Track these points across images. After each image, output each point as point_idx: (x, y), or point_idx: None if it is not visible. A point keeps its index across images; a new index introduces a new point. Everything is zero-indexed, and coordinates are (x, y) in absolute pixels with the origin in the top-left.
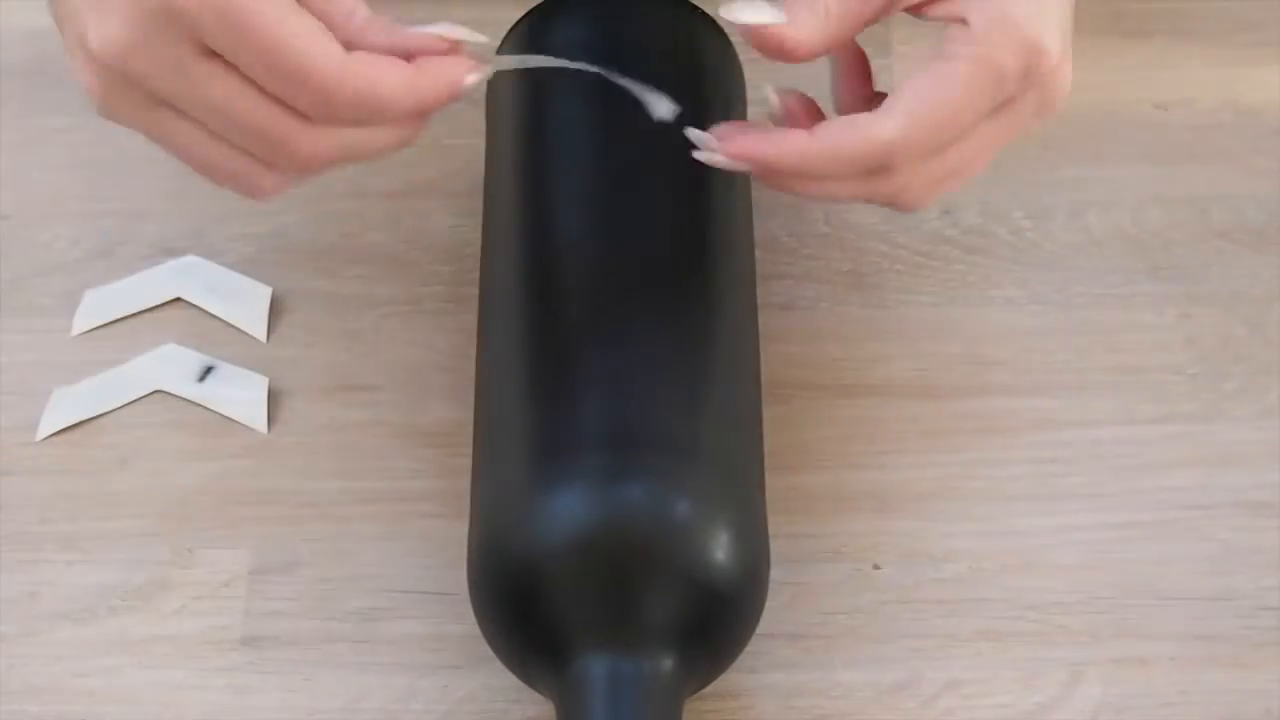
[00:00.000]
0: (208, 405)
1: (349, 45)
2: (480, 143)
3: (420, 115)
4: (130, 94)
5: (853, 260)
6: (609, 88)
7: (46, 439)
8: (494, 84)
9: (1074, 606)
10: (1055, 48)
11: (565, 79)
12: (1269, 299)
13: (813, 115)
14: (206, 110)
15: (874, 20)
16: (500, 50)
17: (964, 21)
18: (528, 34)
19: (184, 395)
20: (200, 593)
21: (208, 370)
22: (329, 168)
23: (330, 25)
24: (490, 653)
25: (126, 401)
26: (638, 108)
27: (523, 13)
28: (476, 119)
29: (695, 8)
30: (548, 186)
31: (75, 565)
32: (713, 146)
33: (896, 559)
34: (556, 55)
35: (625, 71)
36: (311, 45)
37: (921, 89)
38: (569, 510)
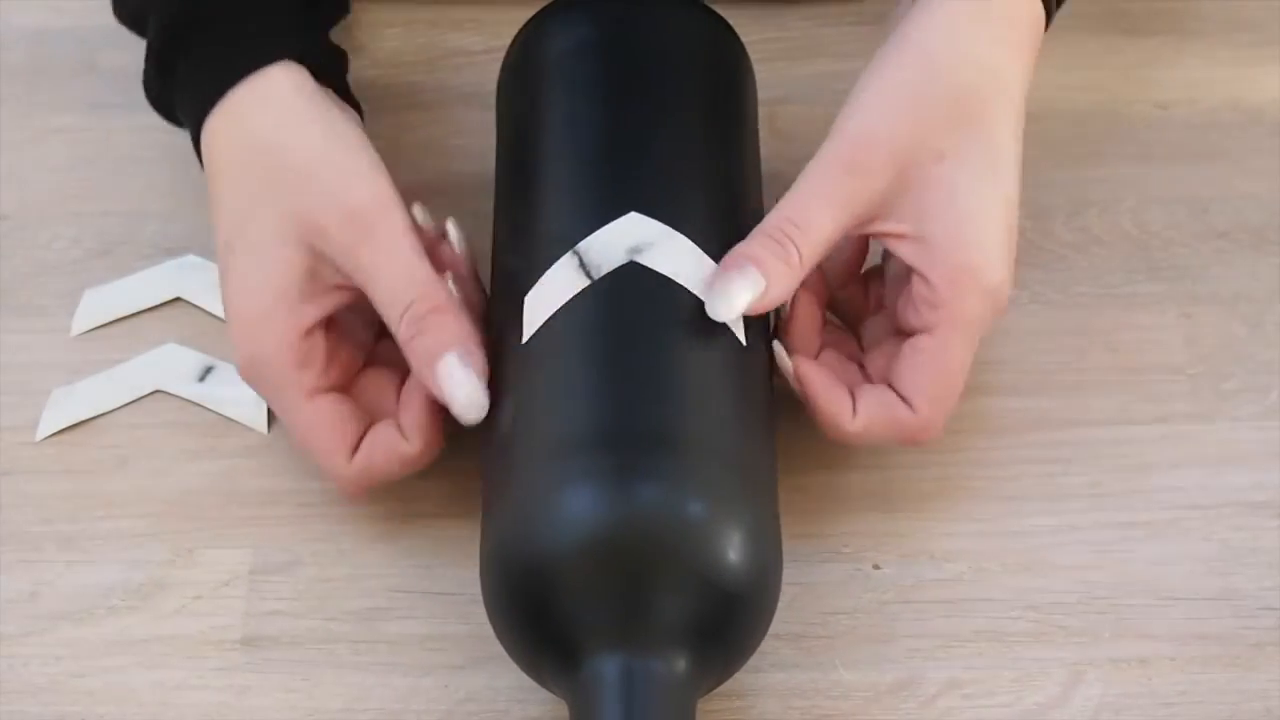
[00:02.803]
0: (207, 405)
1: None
2: (482, 142)
3: (429, 461)
4: None
5: None
6: (611, 85)
7: (46, 439)
8: (502, 83)
9: (1074, 606)
10: (1007, 274)
11: (569, 77)
12: (1269, 299)
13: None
14: None
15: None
16: (510, 49)
17: (925, 279)
18: (535, 34)
19: (184, 395)
20: (200, 593)
21: (208, 370)
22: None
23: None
24: (491, 652)
25: (126, 401)
26: (639, 104)
27: (528, 13)
28: (481, 119)
29: (706, 7)
30: (557, 184)
31: (75, 565)
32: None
33: (896, 559)
34: (562, 56)
35: (637, 72)
36: (326, 460)
37: (929, 372)
38: (583, 510)
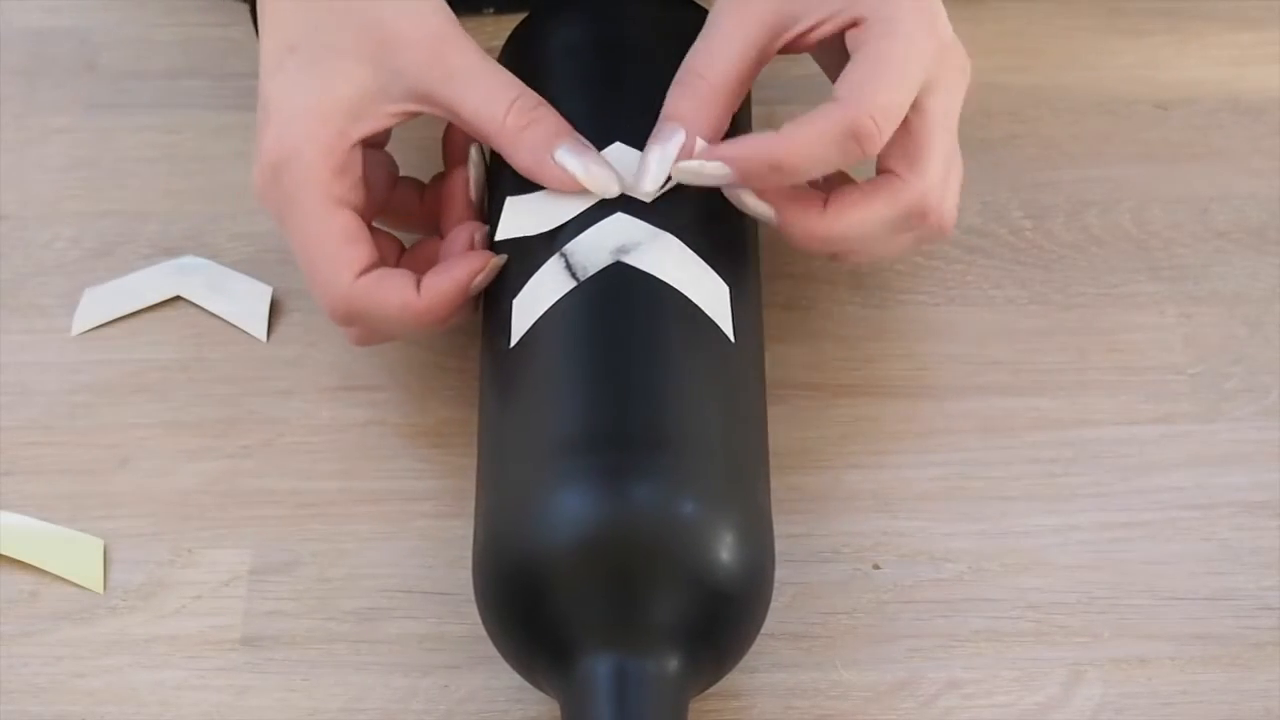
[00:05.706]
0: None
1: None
2: None
3: (424, 327)
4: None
5: None
6: (608, 85)
7: (47, 438)
8: None
9: (1074, 606)
10: (948, 27)
11: (563, 78)
12: (1269, 299)
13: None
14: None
15: (763, 65)
16: (504, 48)
17: (857, 22)
18: (529, 36)
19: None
20: (200, 593)
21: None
22: (364, 343)
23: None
24: (490, 652)
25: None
26: (638, 105)
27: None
28: None
29: (698, 7)
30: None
31: None
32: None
33: (896, 559)
34: (557, 56)
35: (622, 72)
36: (330, 271)
37: (862, 67)
38: (575, 510)
